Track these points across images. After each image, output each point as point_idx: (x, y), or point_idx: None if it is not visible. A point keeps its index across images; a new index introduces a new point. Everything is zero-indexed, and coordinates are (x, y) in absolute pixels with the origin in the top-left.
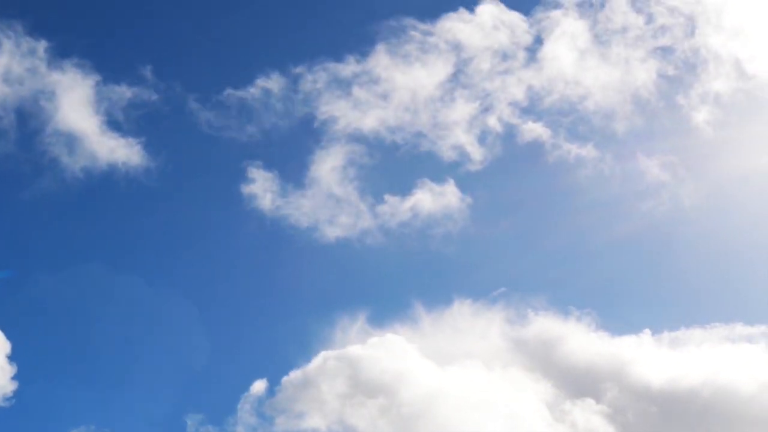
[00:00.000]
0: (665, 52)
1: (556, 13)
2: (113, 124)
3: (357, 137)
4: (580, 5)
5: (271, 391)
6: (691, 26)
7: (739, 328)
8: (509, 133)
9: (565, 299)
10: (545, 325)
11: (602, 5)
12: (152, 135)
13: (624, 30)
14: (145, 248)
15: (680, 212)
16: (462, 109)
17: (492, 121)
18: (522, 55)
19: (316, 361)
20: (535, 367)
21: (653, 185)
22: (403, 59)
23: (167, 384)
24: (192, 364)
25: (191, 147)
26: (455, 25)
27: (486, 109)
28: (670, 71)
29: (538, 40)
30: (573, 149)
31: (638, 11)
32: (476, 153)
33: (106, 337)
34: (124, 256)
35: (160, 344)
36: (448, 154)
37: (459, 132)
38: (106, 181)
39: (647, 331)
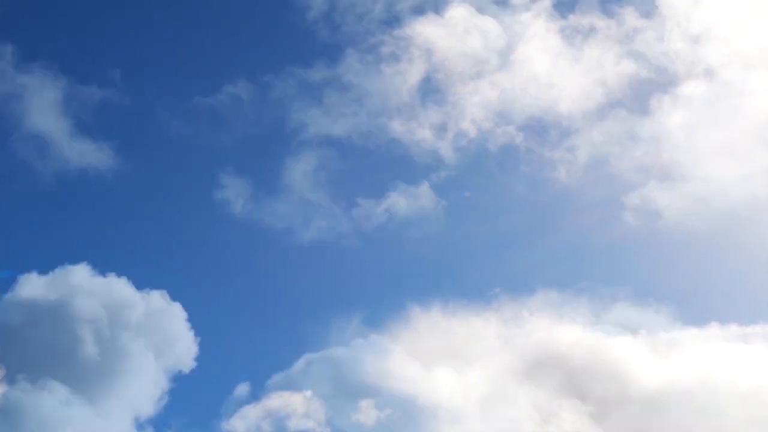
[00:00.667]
0: (638, 56)
1: (527, 16)
2: (83, 127)
3: (328, 142)
4: (551, 9)
5: (255, 395)
6: (662, 30)
7: (734, 329)
8: (482, 137)
9: (560, 300)
10: (539, 325)
11: (573, 9)
12: (122, 139)
13: (596, 34)
14: (123, 252)
15: (660, 215)
16: (434, 114)
17: (465, 125)
18: (494, 58)
19: (300, 364)
20: (528, 367)
21: (629, 187)
22: (374, 64)
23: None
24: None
25: (162, 153)
26: (426, 29)
27: (459, 113)
28: (643, 74)
29: (510, 44)
30: (546, 152)
31: (609, 15)
32: (450, 157)
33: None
34: (104, 259)
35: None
36: (421, 158)
37: (432, 136)
38: (79, 185)
39: (643, 331)
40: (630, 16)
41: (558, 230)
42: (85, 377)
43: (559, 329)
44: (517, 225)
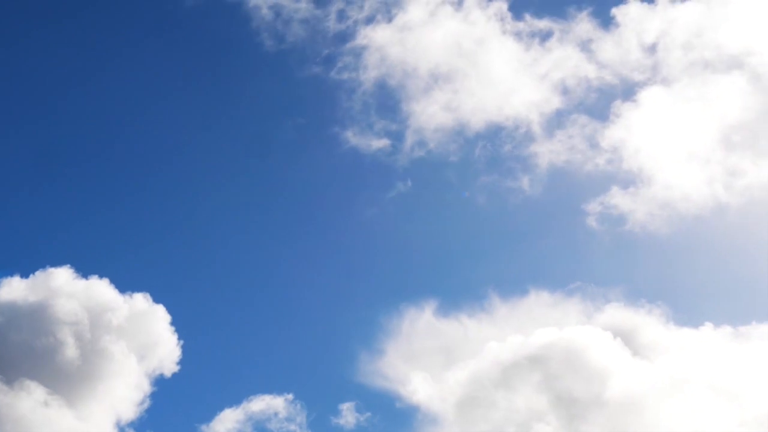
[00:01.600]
0: (595, 62)
1: (482, 20)
2: None
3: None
4: (506, 11)
5: (236, 398)
6: (619, 38)
7: (728, 329)
8: (440, 144)
9: (552, 301)
10: (529, 326)
11: (529, 12)
12: None
13: (552, 39)
14: (106, 255)
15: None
16: (390, 123)
17: (422, 133)
18: (451, 64)
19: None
20: (514, 369)
21: (594, 189)
22: (326, 73)
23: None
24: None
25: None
26: (378, 36)
27: (415, 121)
28: (603, 80)
29: (470, 51)
30: (507, 162)
31: (565, 21)
32: (407, 166)
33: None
34: (87, 262)
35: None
36: (381, 168)
37: (389, 145)
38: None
39: (634, 332)
40: (586, 25)
41: (543, 232)
42: (65, 379)
43: (547, 330)
44: (499, 228)
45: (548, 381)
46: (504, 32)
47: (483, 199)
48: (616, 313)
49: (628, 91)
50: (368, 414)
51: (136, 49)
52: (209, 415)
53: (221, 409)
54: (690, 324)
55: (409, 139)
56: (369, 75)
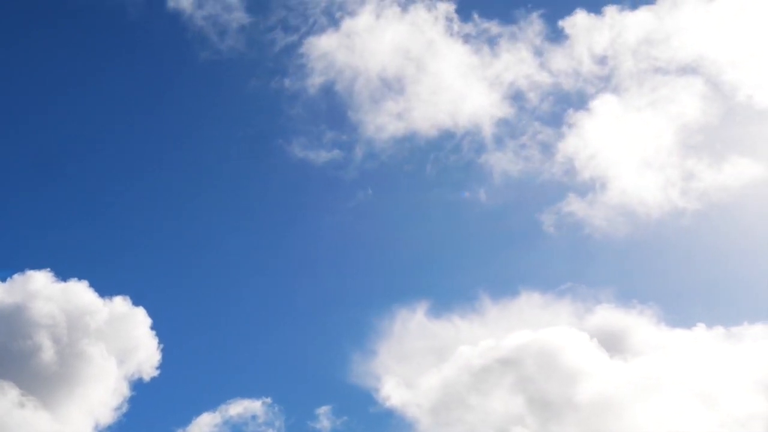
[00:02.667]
0: (547, 71)
1: (429, 24)
2: None
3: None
4: (454, 14)
5: (214, 401)
6: (570, 47)
7: (721, 330)
8: (391, 152)
9: (543, 302)
10: (517, 328)
11: (479, 14)
12: None
13: (501, 45)
14: (85, 258)
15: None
16: (338, 134)
17: (372, 143)
18: (400, 69)
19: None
20: (499, 371)
21: (553, 192)
22: (268, 83)
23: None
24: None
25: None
26: (325, 43)
27: (364, 131)
28: (559, 86)
29: (418, 55)
30: (456, 172)
31: (513, 33)
32: (359, 178)
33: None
34: (66, 265)
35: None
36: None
37: (340, 156)
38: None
39: (625, 333)
40: (536, 28)
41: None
42: (42, 382)
43: (522, 333)
44: (461, 236)
45: (524, 383)
46: (452, 34)
47: (442, 207)
48: (608, 314)
49: (580, 99)
50: (345, 418)
51: (83, 64)
52: (186, 418)
53: (199, 413)
54: (682, 325)
55: (360, 150)
56: (315, 82)
